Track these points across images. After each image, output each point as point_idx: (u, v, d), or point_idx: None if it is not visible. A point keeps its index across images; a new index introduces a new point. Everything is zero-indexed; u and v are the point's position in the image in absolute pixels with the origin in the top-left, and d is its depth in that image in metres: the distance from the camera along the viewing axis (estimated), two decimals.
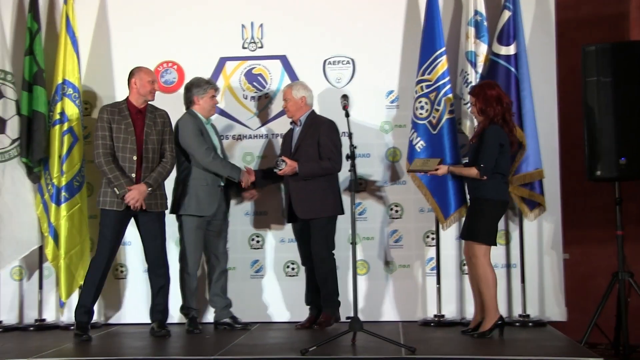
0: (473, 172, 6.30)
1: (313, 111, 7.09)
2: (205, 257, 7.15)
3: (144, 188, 6.63)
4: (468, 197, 6.65)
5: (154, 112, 6.81)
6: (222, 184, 7.00)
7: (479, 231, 6.34)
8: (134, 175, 6.59)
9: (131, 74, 6.77)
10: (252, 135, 7.54)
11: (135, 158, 6.60)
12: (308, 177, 6.87)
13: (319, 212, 6.88)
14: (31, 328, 7.35)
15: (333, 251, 6.96)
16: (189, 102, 7.05)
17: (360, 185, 7.23)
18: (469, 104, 6.73)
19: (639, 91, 6.63)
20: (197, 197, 6.89)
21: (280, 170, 6.85)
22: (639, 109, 6.61)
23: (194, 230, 6.91)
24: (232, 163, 7.04)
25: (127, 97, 6.77)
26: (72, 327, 6.70)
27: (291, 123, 7.12)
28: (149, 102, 6.79)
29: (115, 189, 6.52)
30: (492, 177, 6.29)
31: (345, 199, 7.08)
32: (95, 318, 7.28)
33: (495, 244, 6.44)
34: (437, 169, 6.51)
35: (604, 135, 6.64)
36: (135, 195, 6.50)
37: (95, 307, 7.31)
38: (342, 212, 7.01)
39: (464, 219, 6.81)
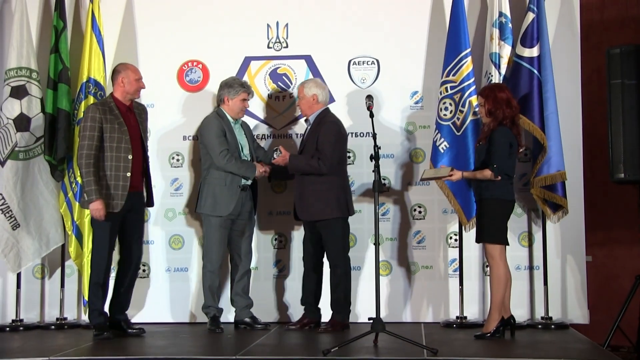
0: (487, 173, 6.29)
1: (326, 109, 7.03)
2: (229, 256, 7.16)
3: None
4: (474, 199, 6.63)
5: (138, 107, 6.83)
6: (248, 183, 7.00)
7: (489, 232, 6.35)
8: (128, 174, 6.52)
9: (117, 72, 6.73)
10: (277, 135, 7.55)
11: (130, 157, 6.55)
12: (295, 171, 6.86)
13: (320, 215, 6.82)
14: (52, 327, 7.36)
15: (348, 253, 6.93)
16: (219, 99, 7.06)
17: (383, 185, 7.20)
18: (476, 105, 6.75)
19: None
20: (214, 197, 6.91)
21: (273, 159, 6.90)
22: None
23: (216, 229, 6.92)
24: (247, 162, 6.98)
25: (112, 94, 6.71)
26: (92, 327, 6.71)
27: (305, 121, 7.13)
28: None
29: (85, 194, 6.47)
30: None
31: (369, 200, 7.14)
32: None
33: (507, 243, 6.42)
34: (451, 175, 6.49)
35: (627, 138, 6.61)
36: (100, 207, 6.40)
37: None
38: (349, 214, 6.95)
39: None
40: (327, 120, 6.93)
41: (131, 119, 6.68)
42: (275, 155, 6.88)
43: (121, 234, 6.72)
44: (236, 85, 7.00)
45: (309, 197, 6.83)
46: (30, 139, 7.29)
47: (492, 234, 6.33)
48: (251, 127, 7.42)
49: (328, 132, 6.84)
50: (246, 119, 7.38)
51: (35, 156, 7.31)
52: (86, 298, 7.07)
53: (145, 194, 6.83)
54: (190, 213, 7.41)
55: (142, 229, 6.90)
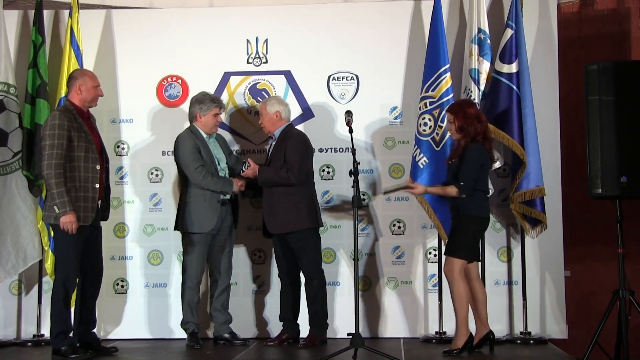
0: (452, 190, 6.32)
1: (289, 125, 7.06)
2: (208, 272, 7.14)
3: None
4: (450, 215, 6.63)
5: (92, 116, 6.65)
6: (227, 198, 6.98)
7: (457, 247, 6.36)
8: (97, 185, 6.36)
9: (73, 78, 6.51)
10: (256, 150, 7.52)
11: (98, 168, 6.38)
12: (265, 183, 6.84)
13: (292, 226, 6.82)
14: (29, 344, 7.27)
15: (321, 266, 6.94)
16: (192, 117, 7.03)
17: (363, 201, 7.20)
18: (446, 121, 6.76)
19: None
20: (196, 214, 6.89)
21: (242, 172, 6.89)
22: None
23: (196, 245, 6.90)
24: (224, 177, 6.96)
25: (70, 100, 6.48)
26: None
27: (269, 138, 7.16)
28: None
29: (56, 206, 6.18)
30: (474, 194, 6.32)
31: (348, 215, 7.20)
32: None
33: (478, 260, 6.48)
34: (412, 187, 6.52)
35: (605, 154, 6.61)
36: (73, 219, 6.17)
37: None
38: (318, 225, 6.97)
39: None
40: (294, 133, 6.99)
41: (91, 127, 6.52)
42: (244, 168, 6.88)
43: (84, 249, 6.42)
44: (207, 101, 6.97)
45: (279, 210, 6.83)
46: (8, 154, 7.23)
47: (461, 250, 6.34)
48: (230, 143, 7.42)
49: (295, 143, 6.88)
50: (226, 134, 7.42)
51: (12, 171, 7.25)
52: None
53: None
54: (170, 229, 7.35)
55: (101, 242, 6.69)
